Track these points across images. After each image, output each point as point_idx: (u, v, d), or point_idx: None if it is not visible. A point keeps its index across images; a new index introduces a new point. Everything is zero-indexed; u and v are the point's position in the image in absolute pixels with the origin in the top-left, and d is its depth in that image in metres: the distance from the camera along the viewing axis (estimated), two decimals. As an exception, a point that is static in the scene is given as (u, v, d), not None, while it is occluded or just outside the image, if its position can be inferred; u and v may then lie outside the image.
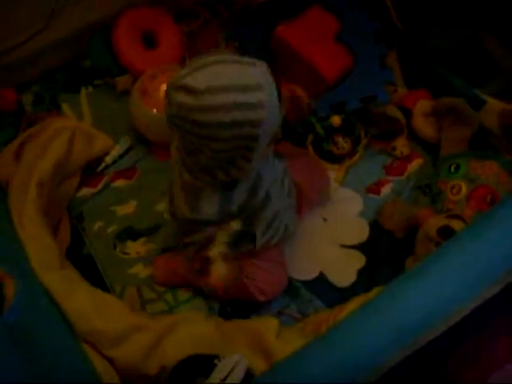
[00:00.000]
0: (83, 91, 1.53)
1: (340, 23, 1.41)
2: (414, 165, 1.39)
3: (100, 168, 1.40)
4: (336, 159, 1.38)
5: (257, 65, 0.82)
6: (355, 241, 1.29)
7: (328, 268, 1.26)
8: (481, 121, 1.32)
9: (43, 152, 1.28)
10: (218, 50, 1.45)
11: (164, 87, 1.29)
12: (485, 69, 1.36)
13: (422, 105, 1.38)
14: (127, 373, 1.10)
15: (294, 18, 1.42)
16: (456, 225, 1.12)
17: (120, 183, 1.39)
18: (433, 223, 1.16)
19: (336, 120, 1.33)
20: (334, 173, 1.37)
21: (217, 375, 0.98)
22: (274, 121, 0.85)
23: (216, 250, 0.98)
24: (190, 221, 1.00)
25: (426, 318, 0.93)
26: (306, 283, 1.24)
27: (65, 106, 1.49)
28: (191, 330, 1.12)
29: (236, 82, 0.79)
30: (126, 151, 1.43)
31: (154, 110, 1.33)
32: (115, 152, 1.41)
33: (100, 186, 1.38)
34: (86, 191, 1.37)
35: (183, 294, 1.24)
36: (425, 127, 1.38)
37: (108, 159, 1.40)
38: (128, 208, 1.35)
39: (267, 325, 1.12)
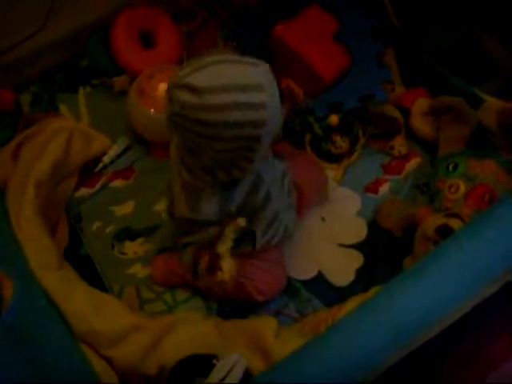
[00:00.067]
0: (81, 91, 1.52)
1: (338, 22, 1.40)
2: (412, 164, 1.39)
3: (98, 168, 1.40)
4: (334, 158, 1.38)
5: (259, 65, 0.82)
6: (353, 240, 1.29)
7: (326, 267, 1.26)
8: (479, 119, 1.32)
9: (41, 152, 1.28)
10: (220, 50, 1.45)
11: (162, 87, 1.33)
12: (483, 67, 1.36)
13: (420, 103, 1.38)
14: (126, 373, 1.10)
15: (292, 18, 1.41)
16: (454, 224, 1.12)
17: (118, 183, 1.39)
18: (431, 222, 1.16)
19: (334, 119, 1.33)
20: (332, 172, 1.37)
21: (215, 375, 0.98)
22: (276, 121, 0.84)
23: (224, 247, 0.98)
24: (189, 221, 1.00)
25: (425, 317, 0.93)
26: (304, 283, 1.24)
27: (62, 107, 1.49)
28: (190, 330, 1.12)
29: (236, 81, 0.78)
30: (124, 151, 1.43)
31: (152, 110, 1.33)
32: (113, 152, 1.41)
33: (98, 186, 1.38)
34: (83, 191, 1.37)
35: (182, 294, 1.24)
36: (423, 126, 1.38)
37: (106, 159, 1.40)
38: (126, 208, 1.35)
39: (266, 324, 1.12)
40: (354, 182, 1.37)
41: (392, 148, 1.38)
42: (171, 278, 1.23)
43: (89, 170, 1.39)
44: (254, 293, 1.15)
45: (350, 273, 1.25)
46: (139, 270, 1.27)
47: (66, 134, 1.33)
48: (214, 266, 0.98)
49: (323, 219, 1.32)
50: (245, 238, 1.07)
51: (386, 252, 1.27)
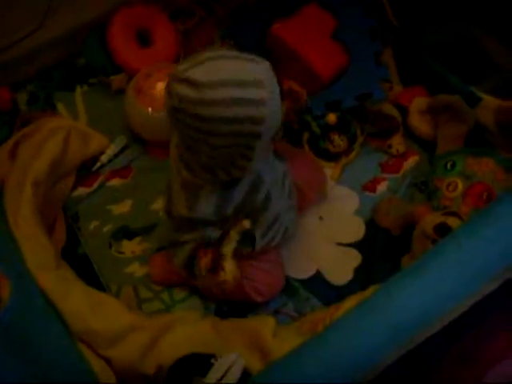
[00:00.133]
0: (78, 90, 1.52)
1: (336, 21, 1.40)
2: (410, 162, 1.38)
3: (95, 167, 1.40)
4: (332, 157, 1.38)
5: (259, 62, 0.81)
6: (351, 239, 1.29)
7: (324, 266, 1.26)
8: (477, 118, 1.32)
9: (38, 152, 1.27)
10: (218, 47, 1.44)
11: (159, 86, 1.32)
12: (481, 66, 1.36)
13: (418, 102, 1.38)
14: (124, 372, 1.10)
15: (289, 16, 1.41)
16: (452, 222, 1.12)
17: (115, 182, 1.39)
18: (429, 220, 1.16)
19: (332, 118, 1.33)
20: (330, 171, 1.37)
21: (213, 375, 0.98)
22: (276, 119, 0.84)
23: (229, 248, 0.98)
24: (186, 219, 1.00)
25: (423, 315, 0.93)
26: (302, 282, 1.24)
27: (60, 106, 1.48)
28: (188, 330, 1.12)
29: (233, 77, 0.78)
30: (122, 150, 1.42)
31: (149, 109, 1.32)
32: (110, 151, 1.41)
33: (95, 186, 1.38)
34: (81, 191, 1.37)
35: (179, 293, 1.24)
36: (421, 124, 1.38)
37: (103, 158, 1.40)
38: (123, 207, 1.35)
39: (264, 324, 1.12)
40: (351, 181, 1.36)
41: (390, 146, 1.38)
42: (169, 276, 1.23)
43: (86, 169, 1.39)
44: (253, 293, 1.15)
45: (348, 272, 1.25)
46: (137, 269, 1.27)
47: (64, 132, 1.33)
48: (217, 266, 0.98)
49: (321, 218, 1.32)
50: (244, 239, 1.07)
51: (384, 251, 1.26)
